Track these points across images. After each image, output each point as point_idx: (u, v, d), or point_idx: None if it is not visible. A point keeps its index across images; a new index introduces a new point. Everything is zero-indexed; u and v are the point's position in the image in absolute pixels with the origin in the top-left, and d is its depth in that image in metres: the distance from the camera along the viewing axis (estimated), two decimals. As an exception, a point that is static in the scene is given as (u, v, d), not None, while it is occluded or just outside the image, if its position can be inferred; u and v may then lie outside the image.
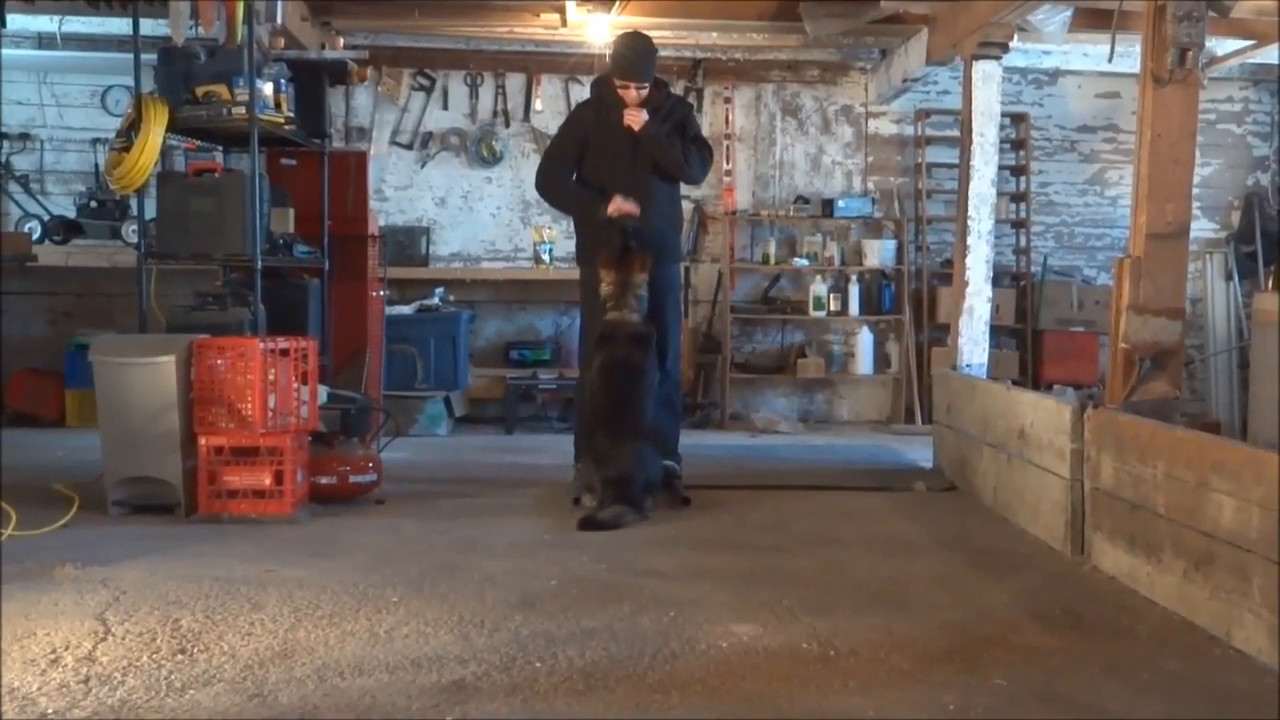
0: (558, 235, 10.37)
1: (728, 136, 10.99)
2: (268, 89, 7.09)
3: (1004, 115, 9.28)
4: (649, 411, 6.62)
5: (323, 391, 6.74)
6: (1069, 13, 8.34)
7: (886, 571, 5.23)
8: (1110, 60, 7.15)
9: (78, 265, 9.89)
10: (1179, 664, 4.01)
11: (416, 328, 9.91)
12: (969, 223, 7.99)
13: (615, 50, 7.02)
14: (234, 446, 6.07)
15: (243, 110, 6.86)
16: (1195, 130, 5.72)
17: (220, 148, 8.19)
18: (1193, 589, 4.42)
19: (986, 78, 7.97)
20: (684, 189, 7.42)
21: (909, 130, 11.20)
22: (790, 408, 11.16)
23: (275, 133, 7.24)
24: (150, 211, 7.23)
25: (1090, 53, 10.05)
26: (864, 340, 10.95)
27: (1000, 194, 9.56)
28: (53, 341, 10.27)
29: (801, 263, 10.82)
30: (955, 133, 10.15)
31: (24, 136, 10.55)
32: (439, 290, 10.36)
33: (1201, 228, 10.83)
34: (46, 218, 10.01)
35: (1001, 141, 8.92)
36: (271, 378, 6.09)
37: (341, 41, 9.69)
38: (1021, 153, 11.15)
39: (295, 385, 6.25)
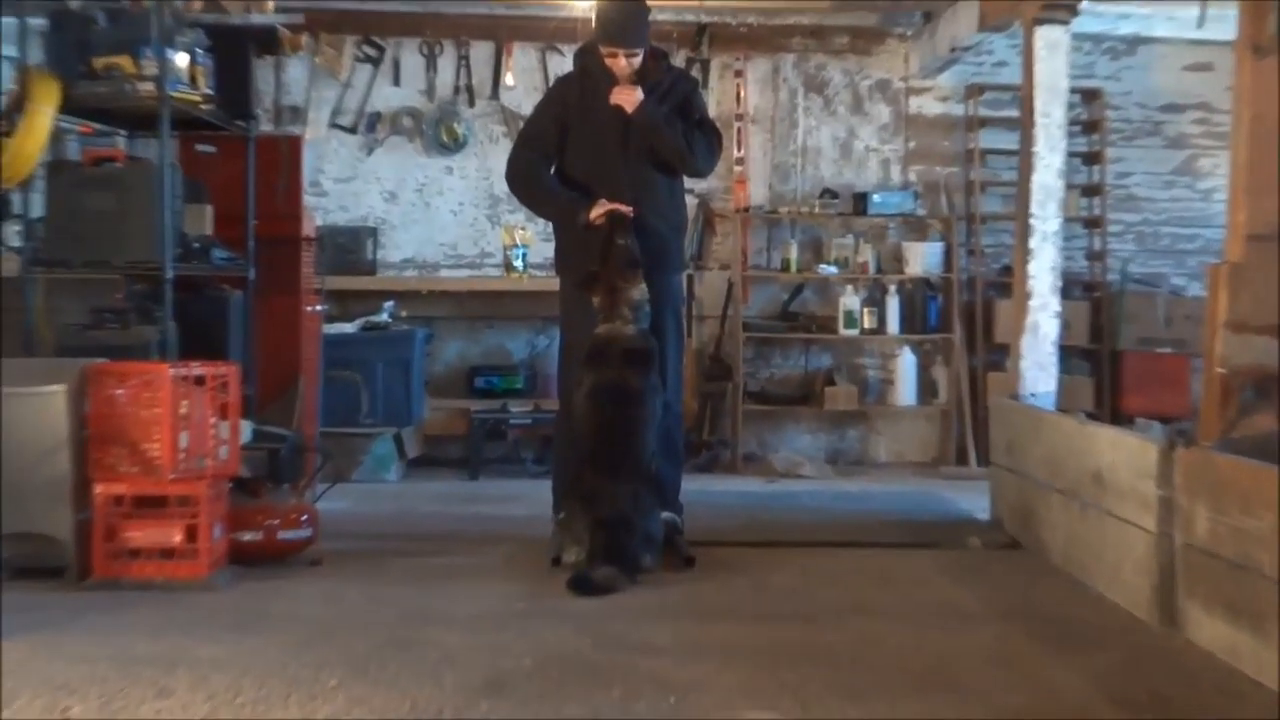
0: (533, 237, 10.37)
1: (739, 118, 11.01)
2: (181, 60, 7.08)
3: (1073, 91, 9.29)
4: (649, 446, 6.61)
5: (246, 428, 6.72)
6: (1152, -33, 8.38)
7: (933, 648, 5.20)
8: (1200, 25, 7.16)
9: (-54, 275, 9.87)
10: (1292, 761, 3.99)
11: (361, 350, 9.90)
12: (1032, 222, 7.99)
13: (600, 10, 7.04)
14: (137, 496, 6.04)
15: (150, 86, 6.86)
16: (1306, 110, 5.72)
17: (123, 132, 8.17)
18: (1308, 668, 4.40)
19: (1052, 46, 7.97)
20: (687, 182, 7.42)
21: (958, 110, 11.22)
22: (816, 447, 11.16)
23: (190, 113, 7.23)
24: (37, 209, 7.21)
25: (1176, 16, 10.05)
26: (905, 364, 10.95)
27: (1069, 187, 9.53)
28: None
29: (829, 270, 10.83)
30: (1014, 113, 10.16)
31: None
32: (388, 304, 10.36)
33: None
34: (-93, 217, 10.00)
35: (1071, 123, 8.93)
36: (184, 411, 6.06)
37: (271, 4, 9.66)
38: (1095, 137, 11.17)
39: (213, 420, 6.23)
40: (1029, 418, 7.47)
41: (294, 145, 9.03)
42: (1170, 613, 5.41)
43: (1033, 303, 8.02)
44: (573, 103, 7.04)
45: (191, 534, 6.04)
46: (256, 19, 8.59)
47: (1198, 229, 11.37)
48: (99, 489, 6.04)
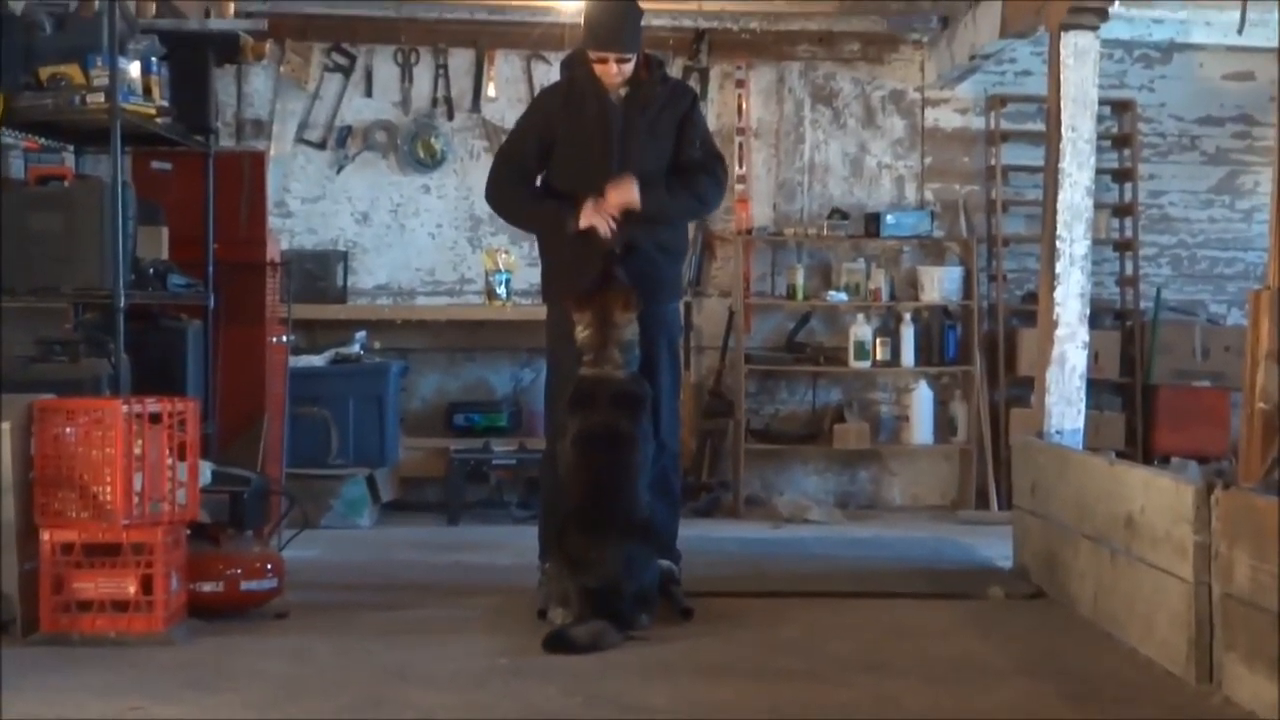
0: (518, 262, 10.38)
1: (741, 131, 11.04)
2: (134, 70, 7.10)
3: (1103, 103, 9.31)
4: (640, 497, 6.60)
5: (205, 469, 6.72)
6: (1188, -31, 8.42)
7: (952, 706, 5.22)
8: (1240, 32, 7.19)
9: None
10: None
11: (331, 384, 9.91)
12: (1058, 244, 8.01)
13: (589, 13, 7.07)
14: (88, 543, 6.03)
15: (100, 98, 6.86)
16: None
17: (71, 147, 8.20)
18: (1358, 728, 4.42)
19: (1080, 54, 8.00)
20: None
21: (979, 123, 11.26)
22: (824, 489, 11.17)
23: (144, 127, 7.25)
24: (-22, 232, 7.23)
25: (1214, 21, 10.08)
26: (921, 399, 10.97)
27: (1099, 206, 9.59)
28: None
29: (838, 297, 10.85)
30: (1039, 126, 10.19)
31: None
32: (360, 335, 10.36)
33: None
34: None
35: (1101, 137, 8.99)
36: (138, 451, 6.06)
37: (233, 8, 9.71)
38: (1126, 152, 11.22)
39: (169, 461, 6.23)
40: (1055, 457, 7.49)
41: (257, 162, 9.05)
42: (1208, 668, 5.42)
43: (1059, 332, 8.03)
44: (559, 115, 7.06)
45: (147, 585, 6.03)
46: (216, 24, 8.63)
47: (1238, 252, 11.40)
48: (46, 536, 6.03)
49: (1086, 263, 8.09)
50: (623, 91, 6.98)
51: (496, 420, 10.54)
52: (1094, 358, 8.91)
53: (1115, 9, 8.09)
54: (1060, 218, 8.01)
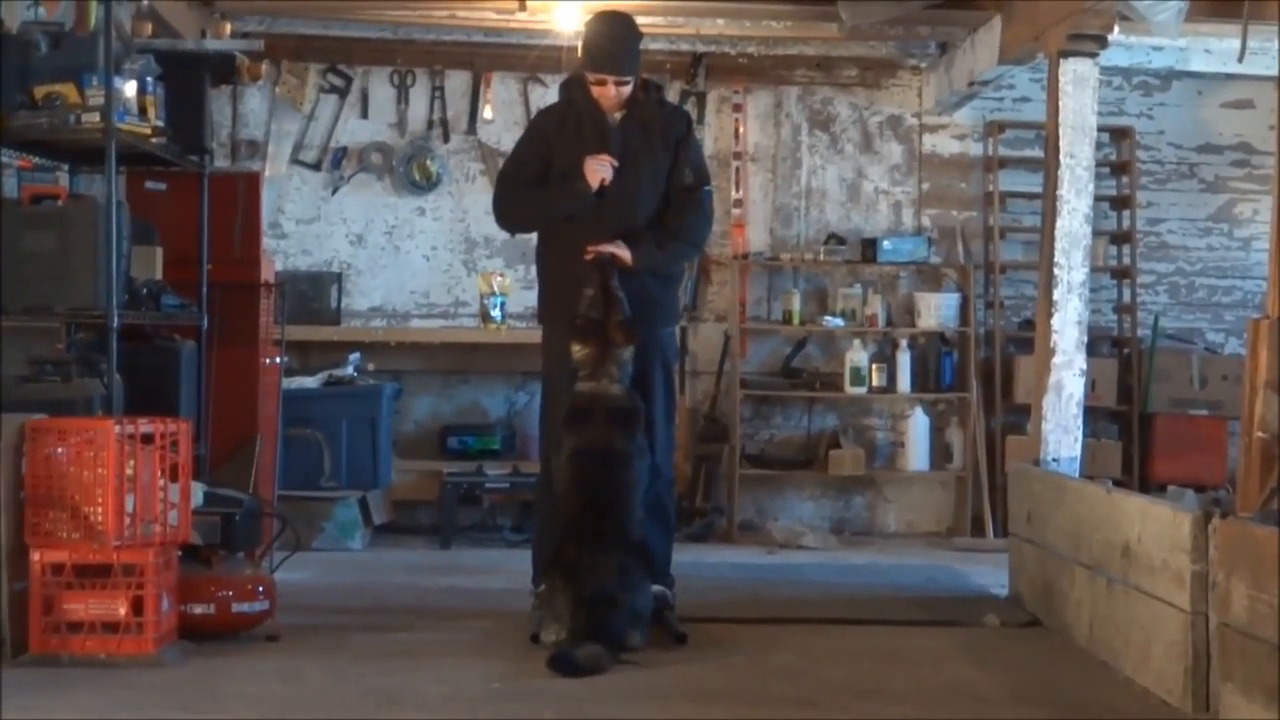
0: (512, 285, 10.37)
1: (738, 156, 11.06)
2: (130, 89, 7.10)
3: (1102, 130, 9.33)
4: (636, 513, 6.63)
5: (197, 491, 6.72)
6: (1187, -3, 8.42)
7: (947, 734, 5.22)
8: (1240, 60, 7.21)
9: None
10: None
11: (323, 406, 9.91)
12: (1056, 271, 8.03)
13: (587, 35, 7.08)
14: (78, 564, 6.03)
15: (95, 117, 6.86)
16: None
17: (65, 167, 8.20)
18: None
19: (1079, 81, 8.03)
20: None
21: (976, 149, 11.28)
22: (819, 515, 11.16)
23: (139, 147, 7.24)
24: (-29, 251, 7.23)
25: (1214, 49, 10.11)
26: (917, 426, 10.97)
27: (1097, 234, 9.59)
28: None
29: (835, 323, 10.86)
30: (1038, 153, 10.21)
31: None
32: (354, 357, 10.36)
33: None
34: None
35: (1099, 164, 8.98)
36: (130, 472, 6.07)
37: (229, 28, 9.73)
38: (1125, 179, 11.23)
39: (161, 482, 6.23)
40: (1051, 485, 7.49)
41: (252, 183, 9.06)
42: (1204, 698, 5.43)
43: (1056, 360, 8.05)
44: (556, 137, 7.08)
45: (137, 606, 6.03)
46: (212, 45, 8.63)
47: (1236, 280, 11.42)
48: (36, 556, 6.03)
49: (1084, 290, 8.10)
50: (620, 114, 7.01)
51: (490, 443, 10.54)
52: (1091, 385, 8.91)
53: (1114, 36, 8.12)
54: (1058, 245, 8.03)
